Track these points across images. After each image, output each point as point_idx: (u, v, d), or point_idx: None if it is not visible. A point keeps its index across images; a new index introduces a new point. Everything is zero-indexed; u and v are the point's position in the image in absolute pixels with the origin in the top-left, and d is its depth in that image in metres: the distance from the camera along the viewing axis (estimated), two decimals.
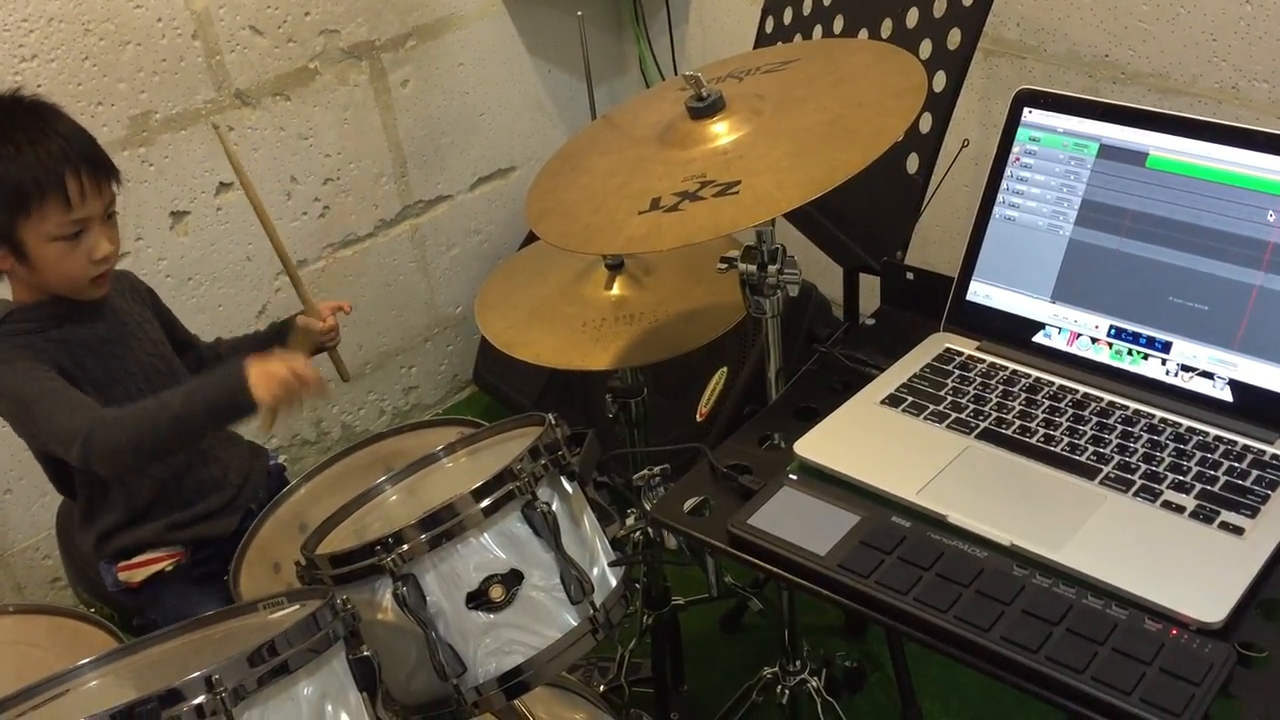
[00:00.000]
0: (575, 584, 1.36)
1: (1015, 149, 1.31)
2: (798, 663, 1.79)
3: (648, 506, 1.75)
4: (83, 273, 1.53)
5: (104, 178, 1.52)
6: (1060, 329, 1.28)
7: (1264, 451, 1.13)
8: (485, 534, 1.33)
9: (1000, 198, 1.32)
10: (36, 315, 1.54)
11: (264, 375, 1.45)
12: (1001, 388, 1.27)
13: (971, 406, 1.25)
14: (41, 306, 1.55)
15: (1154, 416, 1.20)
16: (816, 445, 1.22)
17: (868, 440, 1.23)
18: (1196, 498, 1.09)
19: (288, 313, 1.96)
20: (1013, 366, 1.30)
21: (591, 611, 1.38)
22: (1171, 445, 1.15)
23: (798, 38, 1.84)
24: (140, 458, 1.51)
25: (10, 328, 1.53)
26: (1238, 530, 1.05)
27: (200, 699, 1.03)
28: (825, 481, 1.19)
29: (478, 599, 1.33)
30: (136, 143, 2.19)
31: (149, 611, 1.67)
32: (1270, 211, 1.14)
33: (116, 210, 1.56)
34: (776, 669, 1.82)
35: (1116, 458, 1.15)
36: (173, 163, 2.25)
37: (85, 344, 1.56)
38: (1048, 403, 1.24)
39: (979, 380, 1.28)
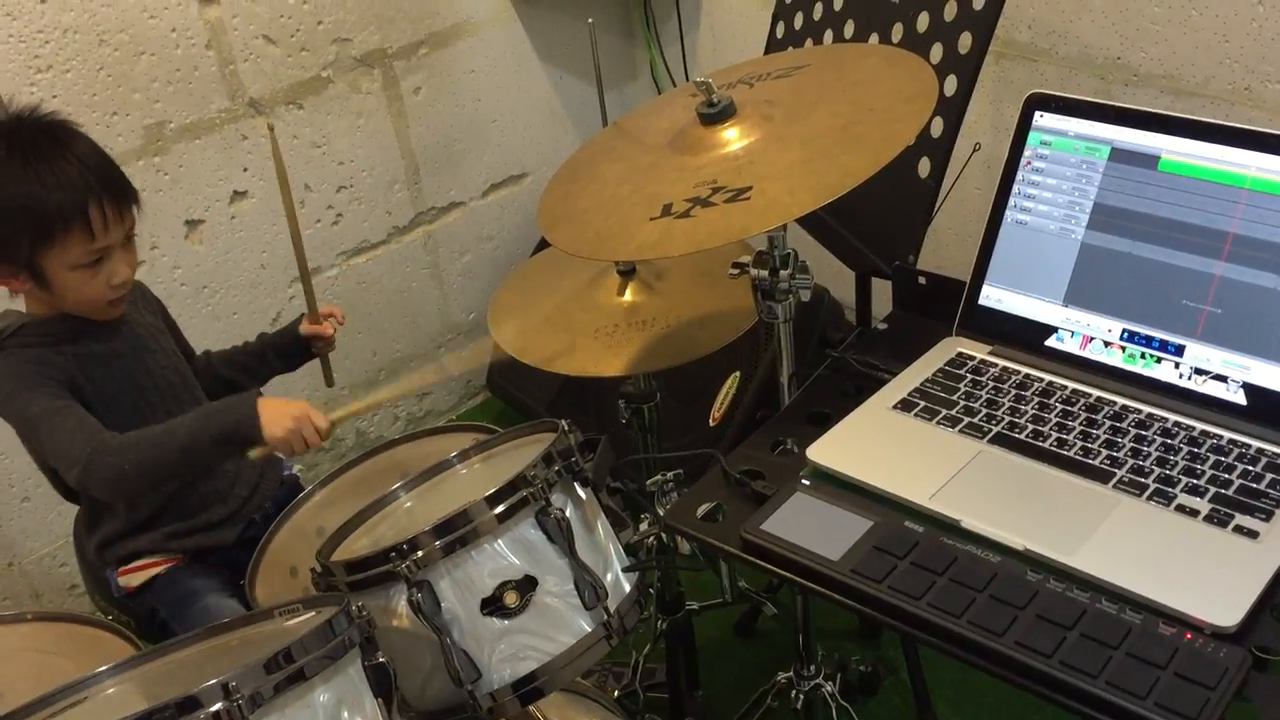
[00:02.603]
0: (589, 589, 1.36)
1: (1027, 153, 1.31)
2: (812, 667, 1.79)
3: (661, 512, 1.76)
4: (100, 297, 1.53)
5: (125, 205, 1.52)
6: (1073, 333, 1.28)
7: (1278, 455, 1.13)
8: (499, 540, 1.34)
9: (1012, 201, 1.32)
10: (49, 329, 1.55)
11: (278, 413, 1.46)
12: (1014, 392, 1.27)
13: (984, 411, 1.25)
14: (55, 321, 1.56)
15: (1168, 420, 1.19)
16: (829, 450, 1.22)
17: (881, 445, 1.23)
18: (1211, 501, 1.09)
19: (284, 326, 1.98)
20: (1025, 370, 1.30)
21: (605, 617, 1.38)
22: (1185, 449, 1.15)
23: (808, 43, 1.84)
24: (141, 485, 1.51)
25: (22, 340, 1.53)
26: (1252, 534, 1.05)
27: (217, 706, 1.04)
28: (838, 486, 1.19)
29: (492, 605, 1.33)
30: (151, 152, 2.20)
31: (154, 607, 1.67)
32: None
33: (136, 233, 1.56)
34: (791, 674, 1.82)
35: (1130, 462, 1.15)
36: (187, 172, 2.26)
37: (97, 358, 1.57)
38: (1061, 407, 1.24)
39: (992, 384, 1.28)
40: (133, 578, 1.67)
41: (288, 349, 1.80)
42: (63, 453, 1.47)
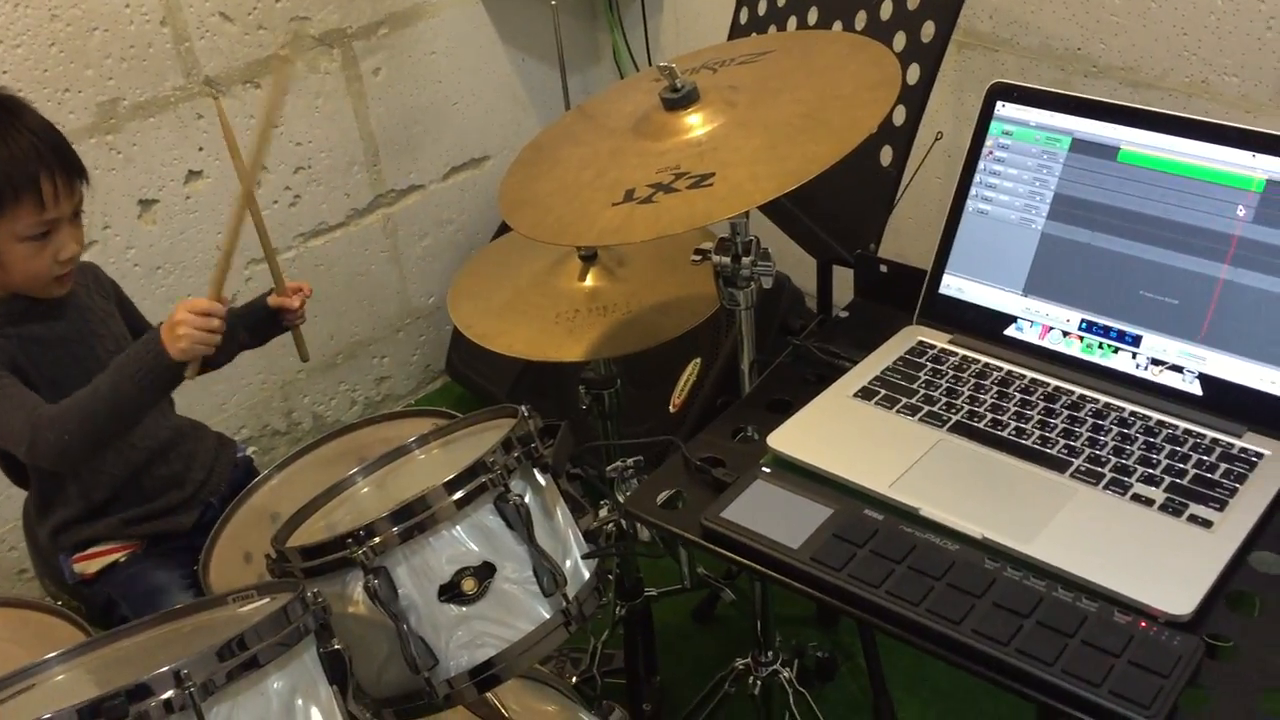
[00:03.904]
0: (548, 576, 1.36)
1: (988, 142, 1.31)
2: (770, 653, 1.80)
3: (621, 499, 1.75)
4: (47, 272, 1.52)
5: (75, 177, 1.52)
6: (1032, 322, 1.29)
7: (1232, 445, 1.14)
8: (457, 526, 1.33)
9: (973, 191, 1.32)
10: None
11: (169, 329, 1.47)
12: (974, 381, 1.27)
13: (944, 400, 1.25)
14: (3, 302, 1.54)
15: (1124, 410, 1.20)
16: (789, 438, 1.22)
17: (841, 433, 1.23)
18: (1166, 491, 1.10)
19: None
20: (985, 360, 1.30)
21: (564, 604, 1.37)
22: (1141, 438, 1.16)
23: (772, 29, 1.84)
24: (90, 448, 1.50)
25: None
26: (1206, 523, 1.06)
27: (168, 694, 1.02)
28: (798, 474, 1.19)
29: (450, 591, 1.32)
30: (104, 130, 2.16)
31: (113, 597, 1.65)
32: (1239, 206, 1.15)
33: (83, 210, 1.55)
34: (749, 660, 1.83)
35: (1087, 451, 1.16)
36: (141, 150, 2.23)
37: (43, 341, 1.55)
38: (1019, 396, 1.24)
39: (951, 373, 1.29)
40: (89, 565, 1.64)
41: (257, 323, 1.77)
42: (6, 432, 1.48)
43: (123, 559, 1.66)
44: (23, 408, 1.47)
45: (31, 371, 1.53)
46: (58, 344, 1.56)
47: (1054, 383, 1.26)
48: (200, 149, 2.31)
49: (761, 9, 1.86)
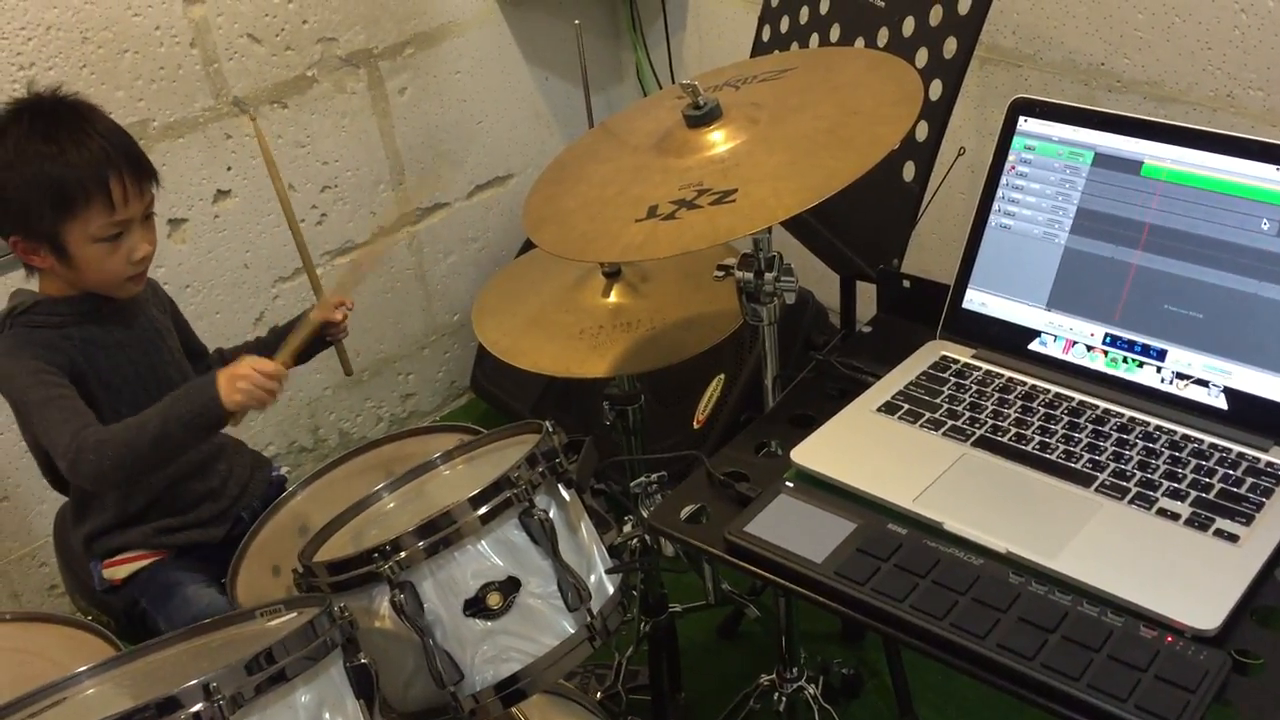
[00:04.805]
0: (572, 591, 1.36)
1: (1011, 157, 1.31)
2: (795, 670, 1.79)
3: (645, 514, 1.76)
4: (121, 272, 1.54)
5: (145, 179, 1.54)
6: (1056, 337, 1.29)
7: (1258, 459, 1.13)
8: (483, 541, 1.34)
9: (996, 206, 1.33)
10: (61, 310, 1.55)
11: (229, 380, 1.47)
12: (997, 395, 1.27)
13: (967, 414, 1.25)
14: (69, 302, 1.56)
15: (1149, 424, 1.20)
16: (813, 453, 1.23)
17: (864, 448, 1.23)
18: (1192, 505, 1.09)
19: (286, 320, 1.92)
20: (1008, 374, 1.30)
21: (589, 619, 1.38)
22: (1167, 453, 1.16)
23: (794, 46, 1.84)
24: (128, 476, 1.52)
25: (31, 319, 1.54)
26: (1232, 538, 1.05)
27: (198, 707, 1.04)
28: (822, 489, 1.19)
29: (475, 606, 1.33)
30: None
31: (136, 598, 1.67)
32: (1264, 220, 1.15)
33: (154, 212, 1.57)
34: (774, 676, 1.82)
35: (1112, 465, 1.15)
36: (170, 170, 2.25)
37: (102, 345, 1.57)
38: (1043, 410, 1.24)
39: (975, 388, 1.29)
40: (117, 570, 1.66)
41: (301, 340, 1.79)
42: (52, 445, 1.49)
43: (148, 566, 1.67)
44: (71, 422, 1.47)
45: (90, 374, 1.55)
46: (117, 349, 1.58)
47: (1078, 397, 1.25)
48: (229, 169, 2.33)
49: (784, 26, 1.86)
